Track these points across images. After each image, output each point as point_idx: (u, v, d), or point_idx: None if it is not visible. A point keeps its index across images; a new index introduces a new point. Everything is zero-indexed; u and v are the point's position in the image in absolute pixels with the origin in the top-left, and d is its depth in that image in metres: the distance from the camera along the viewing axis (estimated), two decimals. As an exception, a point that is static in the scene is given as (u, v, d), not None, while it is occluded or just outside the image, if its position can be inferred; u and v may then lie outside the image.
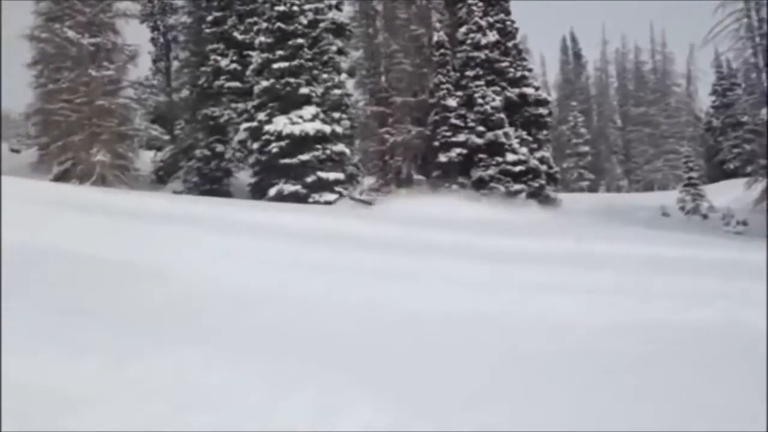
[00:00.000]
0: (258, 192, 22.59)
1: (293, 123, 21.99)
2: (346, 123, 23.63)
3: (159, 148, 29.41)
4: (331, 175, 21.82)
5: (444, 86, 27.40)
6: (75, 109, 23.23)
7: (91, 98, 23.38)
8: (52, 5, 23.97)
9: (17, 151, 33.95)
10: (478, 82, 27.41)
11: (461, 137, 26.70)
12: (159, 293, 5.15)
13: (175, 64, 30.97)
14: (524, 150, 27.18)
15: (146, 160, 28.32)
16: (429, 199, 19.75)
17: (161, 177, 28.17)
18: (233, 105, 25.99)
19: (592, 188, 49.58)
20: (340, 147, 22.61)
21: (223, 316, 4.68)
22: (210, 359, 3.54)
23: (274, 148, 21.87)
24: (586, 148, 50.62)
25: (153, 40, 30.91)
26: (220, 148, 26.37)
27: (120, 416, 2.84)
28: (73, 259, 6.03)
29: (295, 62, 22.56)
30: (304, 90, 22.35)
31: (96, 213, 9.35)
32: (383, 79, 29.73)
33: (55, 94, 23.61)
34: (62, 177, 22.41)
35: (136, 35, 27.61)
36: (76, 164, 22.85)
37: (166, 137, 28.89)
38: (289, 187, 21.38)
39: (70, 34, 23.50)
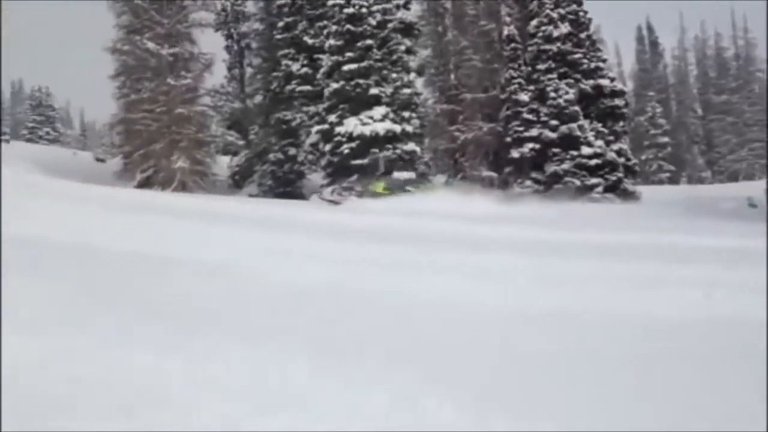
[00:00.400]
0: (331, 193, 22.84)
1: (364, 124, 22.13)
2: (416, 122, 23.58)
3: (235, 153, 30.17)
4: (403, 174, 21.80)
5: (515, 81, 26.97)
6: (155, 118, 24.11)
7: (171, 107, 24.22)
8: (132, 19, 24.96)
9: (102, 161, 35.61)
10: (550, 76, 26.82)
11: (534, 132, 26.22)
12: (233, 291, 5.20)
13: (249, 70, 31.70)
14: (600, 143, 26.40)
15: (223, 166, 29.10)
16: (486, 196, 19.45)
17: (237, 181, 28.89)
18: (305, 108, 26.37)
19: (673, 180, 47.73)
20: (410, 146, 22.60)
21: (295, 313, 4.67)
22: (287, 357, 3.52)
23: (345, 149, 22.06)
24: (665, 139, 48.81)
25: (227, 48, 31.73)
26: (292, 151, 26.82)
27: (203, 415, 2.84)
28: (151, 261, 6.19)
29: (365, 63, 22.69)
30: (373, 90, 22.45)
31: (180, 216, 9.62)
32: (453, 76, 29.54)
33: (137, 104, 24.58)
34: (145, 184, 23.29)
35: (211, 44, 28.42)
36: (157, 171, 23.70)
37: (241, 142, 29.60)
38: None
39: (150, 45, 24.41)
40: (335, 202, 16.31)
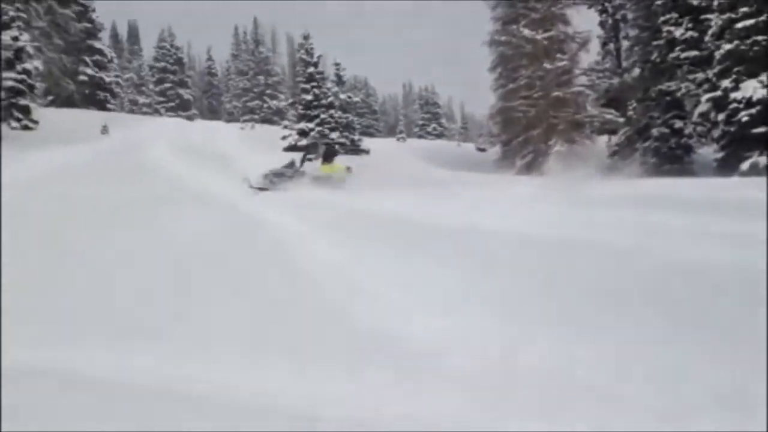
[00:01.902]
0: (726, 167, 20.36)
1: (765, 86, 19.21)
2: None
3: (613, 132, 29.01)
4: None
5: None
6: (532, 104, 24.55)
7: (547, 91, 24.40)
8: (507, 9, 25.76)
9: (483, 150, 37.72)
10: None
11: None
12: (643, 273, 4.85)
13: (624, 43, 30.12)
14: None
15: (601, 146, 28.26)
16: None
17: (617, 161, 27.73)
18: (691, 76, 23.99)
19: None
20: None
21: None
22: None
23: (743, 116, 19.44)
24: None
25: (601, 24, 30.61)
26: (678, 124, 24.66)
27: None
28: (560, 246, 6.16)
29: (763, 18, 19.63)
30: (775, 47, 19.30)
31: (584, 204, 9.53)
32: None
33: (514, 92, 25.35)
34: (525, 170, 23.90)
35: (585, 22, 27.79)
36: (536, 157, 24.10)
37: (620, 119, 28.31)
38: (764, 160, 18.80)
39: (526, 32, 24.91)
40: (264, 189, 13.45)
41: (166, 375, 3.70)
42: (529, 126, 24.61)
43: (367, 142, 32.12)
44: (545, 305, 4.66)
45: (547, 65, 24.58)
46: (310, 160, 13.57)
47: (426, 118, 69.95)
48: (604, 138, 29.24)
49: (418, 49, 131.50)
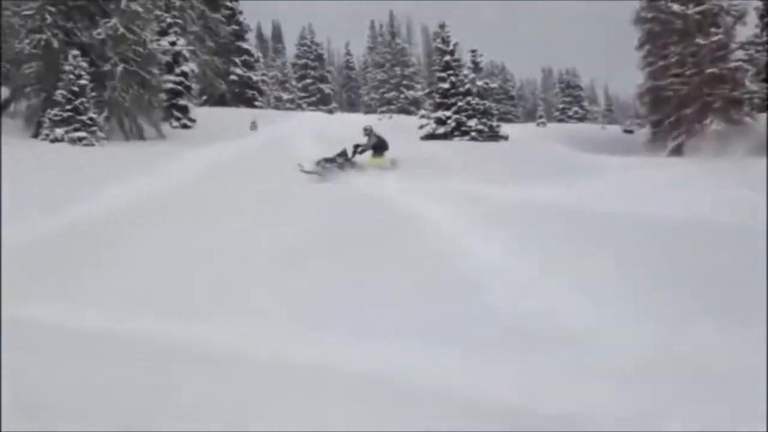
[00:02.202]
0: None
1: None
2: None
3: (777, 108, 26.49)
4: None
5: None
6: (684, 82, 22.97)
7: (701, 67, 22.75)
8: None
9: (630, 132, 35.86)
10: None
11: None
12: None
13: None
14: None
15: (763, 124, 25.91)
16: None
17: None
18: None
19: None
20: None
21: None
22: None
23: None
24: None
25: (762, -7, 28.01)
26: None
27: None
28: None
29: None
30: None
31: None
32: None
33: (664, 70, 23.83)
34: (677, 152, 22.44)
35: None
36: (690, 137, 22.56)
37: (786, 94, 25.78)
38: None
39: (675, 7, 23.34)
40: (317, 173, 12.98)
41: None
42: (682, 105, 23.01)
43: (505, 128, 31.57)
44: (708, 292, 4.37)
45: (700, 40, 22.84)
46: (362, 152, 14.09)
47: (567, 101, 67.64)
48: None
49: (557, 31, 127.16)
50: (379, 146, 14.29)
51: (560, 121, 61.22)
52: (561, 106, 67.91)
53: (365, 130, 14.58)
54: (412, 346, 3.83)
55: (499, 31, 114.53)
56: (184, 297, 5.16)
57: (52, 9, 21.73)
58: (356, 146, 14.13)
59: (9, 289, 5.26)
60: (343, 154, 13.78)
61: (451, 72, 30.07)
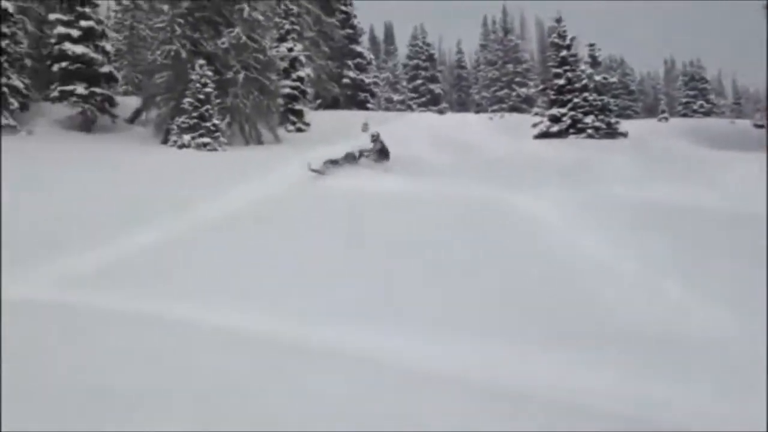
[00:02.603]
0: None
1: None
2: None
3: None
4: None
5: None
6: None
7: None
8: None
9: (762, 126, 33.39)
10: None
11: None
12: None
13: None
14: None
15: None
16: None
17: None
18: None
19: None
20: None
21: None
22: None
23: None
24: None
25: None
26: None
27: None
28: None
29: None
30: None
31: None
32: None
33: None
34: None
35: None
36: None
37: None
38: None
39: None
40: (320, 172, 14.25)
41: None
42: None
43: (624, 125, 30.27)
44: None
45: None
46: (366, 156, 15.49)
47: (691, 95, 63.90)
48: None
49: (680, 22, 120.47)
50: (382, 152, 15.71)
51: (684, 115, 57.91)
52: (684, 100, 64.25)
53: (372, 136, 16.13)
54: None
55: (618, 23, 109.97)
56: (328, 297, 5.25)
57: (181, 21, 23.08)
58: (362, 151, 15.68)
59: (141, 287, 5.63)
60: (348, 156, 15.29)
61: (567, 67, 29.21)
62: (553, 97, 29.52)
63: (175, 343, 4.37)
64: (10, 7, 22.95)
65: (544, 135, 28.20)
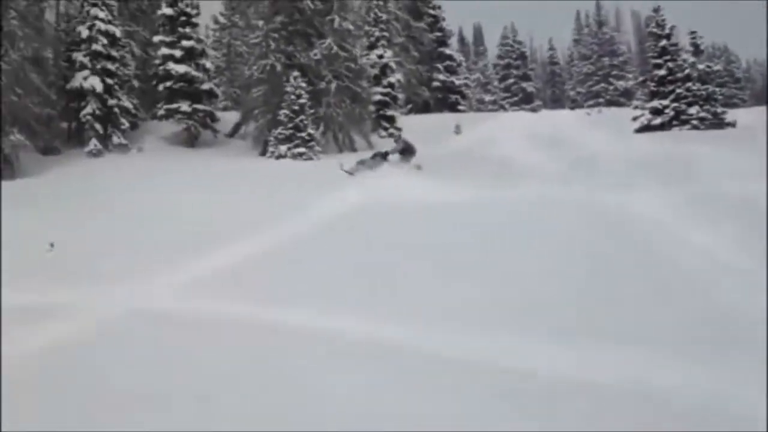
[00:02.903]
0: None
1: None
2: None
3: None
4: None
5: None
6: None
7: None
8: None
9: None
10: None
11: None
12: None
13: None
14: None
15: None
16: None
17: None
18: None
19: None
20: None
21: None
22: None
23: None
24: None
25: None
26: None
27: None
28: None
29: None
30: None
31: None
32: None
33: None
34: None
35: None
36: None
37: None
38: None
39: None
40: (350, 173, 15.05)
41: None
42: None
43: (731, 114, 28.58)
44: None
45: None
46: (386, 157, 15.93)
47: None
48: None
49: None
50: (406, 151, 16.07)
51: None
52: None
53: (394, 136, 16.84)
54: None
55: (719, 9, 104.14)
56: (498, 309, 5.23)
57: (275, 35, 23.84)
58: (385, 152, 16.31)
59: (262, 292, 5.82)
60: (376, 156, 16.06)
61: (667, 57, 27.91)
62: (653, 88, 28.27)
63: (296, 350, 4.50)
64: (118, 32, 24.45)
65: (646, 128, 27.05)
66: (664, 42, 28.22)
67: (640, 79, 37.15)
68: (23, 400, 3.91)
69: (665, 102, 27.32)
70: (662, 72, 27.82)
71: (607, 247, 6.49)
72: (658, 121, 27.18)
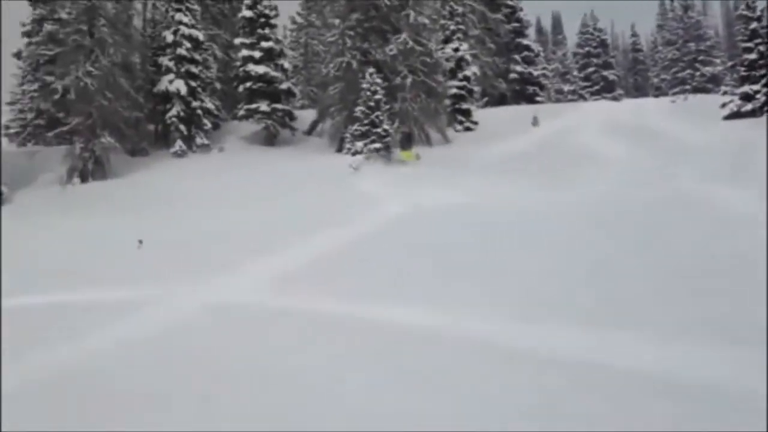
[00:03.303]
0: None
1: None
2: None
3: None
4: None
5: None
6: None
7: None
8: None
9: None
10: None
11: None
12: None
13: None
14: None
15: None
16: None
17: None
18: None
19: None
20: None
21: None
22: None
23: None
24: None
25: None
26: None
27: None
28: None
29: None
30: None
31: None
32: None
33: None
34: None
35: None
36: None
37: None
38: None
39: None
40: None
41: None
42: None
43: (832, 98, 26.77)
44: None
45: None
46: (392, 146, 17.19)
47: None
48: None
49: None
50: (405, 141, 16.86)
51: None
52: None
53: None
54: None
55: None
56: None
57: (351, 33, 24.13)
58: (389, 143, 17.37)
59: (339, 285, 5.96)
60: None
61: (759, 41, 26.46)
62: (744, 73, 26.87)
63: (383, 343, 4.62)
64: (201, 36, 25.37)
65: (736, 115, 25.76)
66: (754, 24, 26.77)
67: (729, 64, 35.38)
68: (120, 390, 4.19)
69: (756, 87, 25.93)
70: (753, 56, 26.41)
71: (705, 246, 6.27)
72: (748, 107, 25.83)
